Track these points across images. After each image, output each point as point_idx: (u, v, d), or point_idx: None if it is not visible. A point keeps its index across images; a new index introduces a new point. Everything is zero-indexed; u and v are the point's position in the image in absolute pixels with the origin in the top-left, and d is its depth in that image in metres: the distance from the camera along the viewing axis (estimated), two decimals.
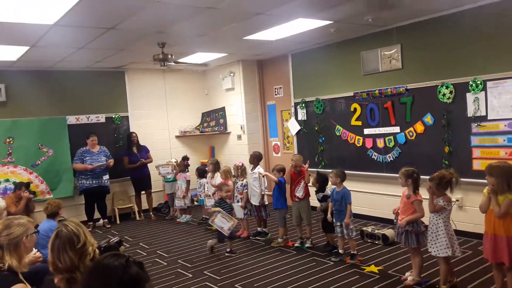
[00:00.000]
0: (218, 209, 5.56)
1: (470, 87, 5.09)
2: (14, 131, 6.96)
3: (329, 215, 5.02)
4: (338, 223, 4.90)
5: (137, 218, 7.92)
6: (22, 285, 2.36)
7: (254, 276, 4.64)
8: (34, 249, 3.82)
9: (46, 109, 7.29)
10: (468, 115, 5.15)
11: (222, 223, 5.35)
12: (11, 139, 6.95)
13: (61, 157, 7.32)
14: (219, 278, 4.68)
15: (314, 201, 5.69)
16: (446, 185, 3.86)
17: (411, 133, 5.78)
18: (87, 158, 7.18)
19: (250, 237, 6.15)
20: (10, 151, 6.95)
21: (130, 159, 7.70)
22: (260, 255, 5.35)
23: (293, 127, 7.58)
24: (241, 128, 8.37)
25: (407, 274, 4.25)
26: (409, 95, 5.76)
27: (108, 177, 7.35)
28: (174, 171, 7.64)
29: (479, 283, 4.05)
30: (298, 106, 7.43)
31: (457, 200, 5.42)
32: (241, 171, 6.30)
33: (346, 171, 5.08)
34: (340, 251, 5.01)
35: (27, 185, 6.49)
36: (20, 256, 2.45)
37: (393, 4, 4.82)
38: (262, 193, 5.99)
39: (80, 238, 2.18)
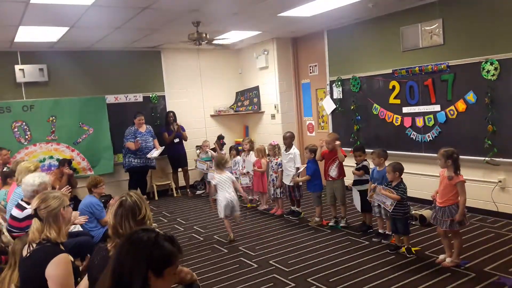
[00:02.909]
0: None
1: None
2: (57, 110, 7.23)
3: (369, 195, 4.92)
4: (376, 203, 4.80)
5: (174, 194, 8.12)
6: (65, 255, 2.47)
7: (288, 253, 4.68)
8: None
9: (86, 88, 7.52)
10: None
11: (384, 198, 4.54)
12: (54, 117, 7.22)
13: (101, 135, 7.56)
14: (253, 254, 4.75)
15: (348, 180, 5.64)
16: None
17: (452, 112, 5.57)
18: (137, 137, 7.36)
19: (284, 216, 6.19)
20: (53, 129, 7.24)
21: (169, 135, 7.88)
22: (294, 233, 5.38)
23: (328, 106, 7.47)
24: (275, 107, 8.33)
25: (441, 256, 4.15)
26: (451, 72, 5.53)
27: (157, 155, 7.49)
28: (209, 168, 7.65)
29: None
30: (334, 84, 7.30)
31: (500, 181, 5.23)
32: (276, 150, 6.31)
33: None
34: (380, 230, 4.94)
35: (69, 162, 6.77)
36: (59, 227, 2.56)
37: None
38: (297, 178, 5.92)
39: (142, 210, 2.27)
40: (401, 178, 4.47)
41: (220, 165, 5.43)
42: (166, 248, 1.54)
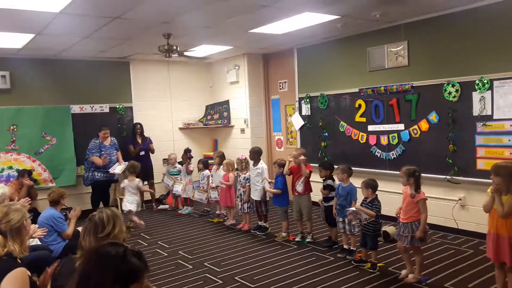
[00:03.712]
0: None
1: (476, 86, 5.05)
2: (18, 118, 6.97)
3: (334, 210, 5.00)
4: (341, 219, 4.88)
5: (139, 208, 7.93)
6: (22, 269, 2.37)
7: (254, 269, 4.65)
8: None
9: (50, 97, 7.30)
10: (474, 114, 5.12)
11: (359, 213, 4.54)
12: (15, 126, 6.96)
13: (64, 146, 7.33)
14: (219, 270, 4.69)
15: (316, 196, 5.69)
16: None
17: (415, 131, 5.75)
18: (103, 152, 7.18)
19: (251, 231, 6.16)
20: (14, 138, 6.96)
21: (135, 148, 7.74)
22: (261, 249, 5.35)
23: (297, 122, 7.56)
24: (245, 121, 8.36)
25: (403, 272, 4.24)
26: (415, 92, 5.73)
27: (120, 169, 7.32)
28: (175, 184, 7.64)
29: (480, 281, 4.04)
30: (303, 101, 7.41)
31: (460, 199, 5.41)
32: (244, 165, 6.30)
33: None
34: (345, 246, 4.99)
35: (29, 172, 6.53)
36: (22, 240, 2.47)
37: None
38: (266, 190, 5.94)
39: (106, 228, 2.24)
40: (376, 195, 4.56)
41: (133, 171, 6.60)
42: (134, 263, 1.51)
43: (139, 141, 7.78)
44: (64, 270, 2.25)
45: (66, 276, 2.12)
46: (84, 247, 2.24)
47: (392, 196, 5.89)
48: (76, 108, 7.54)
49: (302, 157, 5.44)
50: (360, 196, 4.75)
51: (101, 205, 7.48)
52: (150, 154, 8.00)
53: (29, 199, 4.58)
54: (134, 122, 8.03)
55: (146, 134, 7.96)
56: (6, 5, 4.20)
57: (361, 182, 4.65)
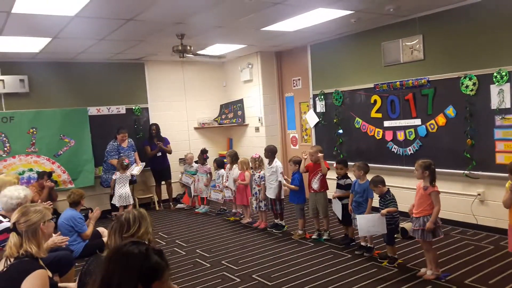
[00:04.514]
0: None
1: (494, 79, 4.95)
2: (37, 121, 7.11)
3: (350, 207, 4.97)
4: (357, 216, 4.84)
5: (157, 208, 8.03)
6: (43, 271, 2.41)
7: (271, 267, 4.66)
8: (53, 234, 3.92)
9: (67, 100, 7.42)
10: (492, 108, 5.02)
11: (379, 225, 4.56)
12: (34, 129, 7.10)
13: (83, 148, 7.45)
14: (236, 268, 4.71)
15: (330, 193, 5.66)
16: None
17: (432, 126, 5.67)
18: (121, 154, 7.32)
19: (268, 229, 6.17)
20: (34, 141, 7.11)
21: (151, 149, 7.82)
22: (277, 247, 5.36)
23: (312, 119, 7.53)
24: (259, 120, 8.36)
25: (423, 269, 4.19)
26: (431, 87, 5.65)
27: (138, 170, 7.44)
28: (194, 182, 7.73)
29: (502, 277, 3.96)
30: (317, 98, 7.37)
31: (479, 194, 5.32)
32: (258, 163, 6.31)
33: None
34: (363, 243, 4.95)
35: (49, 174, 6.65)
36: (38, 242, 2.50)
37: None
38: (284, 185, 5.92)
39: (131, 228, 2.28)
40: (388, 189, 4.54)
41: (123, 166, 7.05)
42: (156, 261, 1.54)
43: (156, 142, 7.86)
44: (91, 268, 2.30)
45: (92, 274, 2.18)
46: (110, 247, 2.27)
47: (409, 192, 5.80)
48: (93, 110, 7.66)
49: (320, 154, 5.43)
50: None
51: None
52: (167, 154, 8.06)
53: (50, 202, 4.67)
54: (150, 123, 8.11)
55: (162, 134, 8.02)
56: (23, 10, 4.28)
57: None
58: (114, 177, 7.07)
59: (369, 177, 4.86)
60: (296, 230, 5.84)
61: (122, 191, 6.96)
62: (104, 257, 1.69)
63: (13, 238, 2.46)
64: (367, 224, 4.52)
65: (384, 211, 4.42)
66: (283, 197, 6.08)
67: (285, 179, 5.95)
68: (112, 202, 7.11)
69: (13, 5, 4.12)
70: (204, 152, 7.76)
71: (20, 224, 2.48)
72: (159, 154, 7.88)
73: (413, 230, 4.10)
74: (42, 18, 4.61)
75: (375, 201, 4.74)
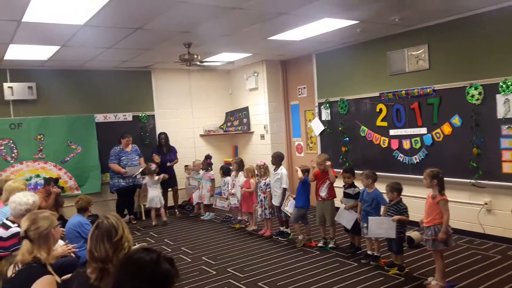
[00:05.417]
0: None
1: (500, 88, 4.96)
2: (45, 128, 7.18)
3: (358, 215, 4.97)
4: (365, 225, 4.82)
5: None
6: (50, 277, 2.43)
7: (277, 275, 4.66)
8: (61, 241, 3.95)
9: (75, 107, 7.49)
10: (498, 117, 5.02)
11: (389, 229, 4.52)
12: (42, 136, 7.16)
13: (89, 154, 7.51)
14: (242, 275, 4.71)
15: (338, 202, 5.66)
16: None
17: (438, 135, 5.68)
18: (123, 158, 7.35)
19: (273, 236, 6.16)
20: (41, 147, 7.17)
21: (162, 159, 7.85)
22: (283, 255, 5.35)
23: (317, 127, 7.55)
24: (264, 127, 8.39)
25: (430, 278, 4.17)
26: (437, 96, 5.66)
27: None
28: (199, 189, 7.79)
29: (509, 287, 3.95)
30: (322, 106, 7.40)
31: (485, 204, 5.30)
32: (263, 170, 6.32)
33: None
34: (369, 252, 4.94)
35: (56, 180, 6.68)
36: (49, 248, 2.53)
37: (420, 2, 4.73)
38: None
39: (118, 232, 2.23)
40: (401, 198, 4.53)
41: (148, 172, 7.39)
42: (166, 269, 1.55)
43: (165, 151, 7.91)
44: (73, 286, 2.24)
45: None
46: (98, 257, 2.16)
47: (415, 201, 5.80)
48: (100, 117, 7.72)
49: (328, 162, 5.45)
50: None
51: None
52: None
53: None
54: (157, 130, 8.17)
55: (170, 143, 8.08)
56: (33, 19, 4.35)
57: (385, 186, 4.61)
58: (144, 181, 7.42)
59: (378, 186, 4.87)
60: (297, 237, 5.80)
61: (151, 194, 7.29)
62: (115, 264, 1.70)
63: (25, 245, 2.49)
64: (377, 226, 4.53)
65: (396, 217, 4.41)
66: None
67: (293, 197, 5.88)
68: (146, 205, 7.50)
69: (24, 14, 4.18)
70: (208, 157, 7.80)
71: (30, 231, 2.51)
72: (169, 164, 7.93)
73: (425, 240, 4.08)
74: (52, 27, 4.67)
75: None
